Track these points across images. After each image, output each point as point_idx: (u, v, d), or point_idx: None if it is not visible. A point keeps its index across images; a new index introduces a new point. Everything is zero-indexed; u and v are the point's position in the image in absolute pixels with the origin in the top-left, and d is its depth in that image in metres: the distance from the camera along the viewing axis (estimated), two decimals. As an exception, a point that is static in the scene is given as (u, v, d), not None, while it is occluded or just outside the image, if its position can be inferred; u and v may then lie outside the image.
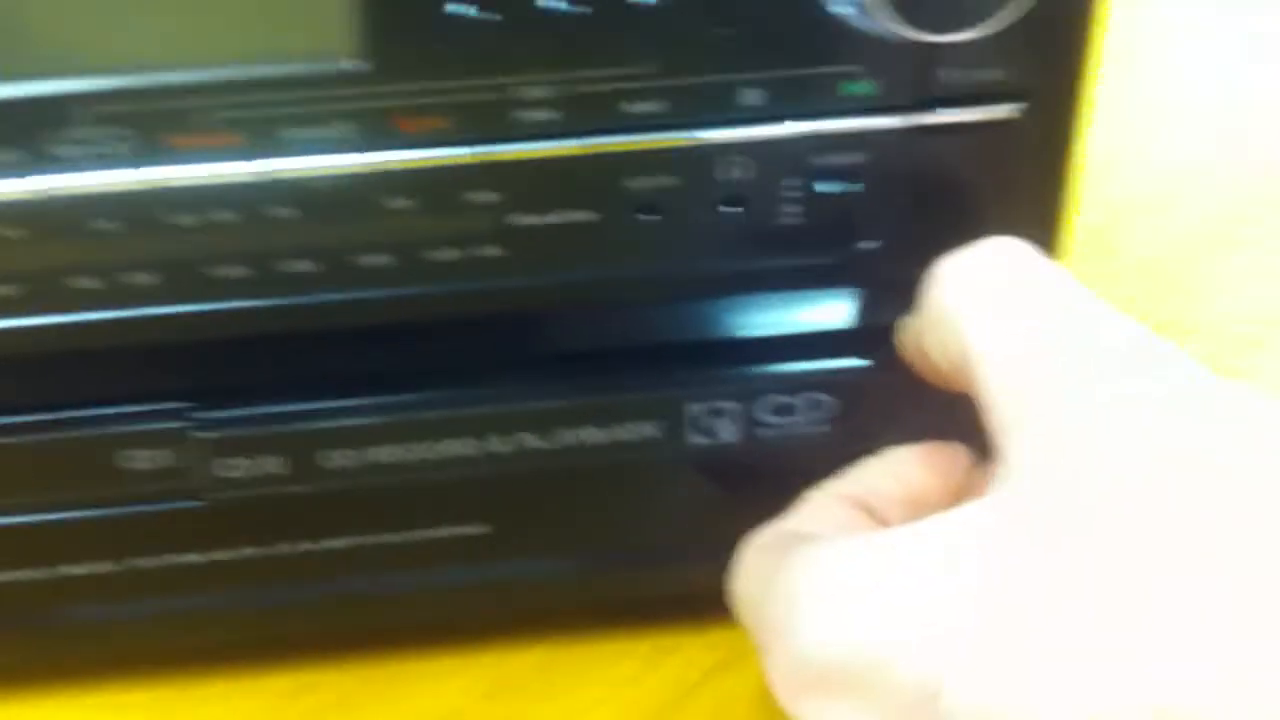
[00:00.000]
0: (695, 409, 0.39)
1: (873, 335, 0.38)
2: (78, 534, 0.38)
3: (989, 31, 0.33)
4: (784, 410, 0.39)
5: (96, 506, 0.38)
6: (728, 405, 0.39)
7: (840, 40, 0.34)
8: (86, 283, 0.35)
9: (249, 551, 0.39)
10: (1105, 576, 0.25)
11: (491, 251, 0.36)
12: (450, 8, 0.33)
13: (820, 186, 0.36)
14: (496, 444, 0.38)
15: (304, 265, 0.35)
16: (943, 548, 0.27)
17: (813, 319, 0.39)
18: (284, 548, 0.39)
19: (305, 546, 0.39)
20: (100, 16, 0.32)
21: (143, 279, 0.35)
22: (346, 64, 0.33)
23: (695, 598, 0.39)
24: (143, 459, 0.37)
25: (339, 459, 0.38)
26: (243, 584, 0.40)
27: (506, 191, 0.35)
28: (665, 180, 0.36)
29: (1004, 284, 0.32)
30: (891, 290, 0.39)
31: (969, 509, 0.28)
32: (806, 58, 0.35)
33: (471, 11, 0.33)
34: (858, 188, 0.36)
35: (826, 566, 0.29)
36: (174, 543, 0.39)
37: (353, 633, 0.42)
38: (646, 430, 0.39)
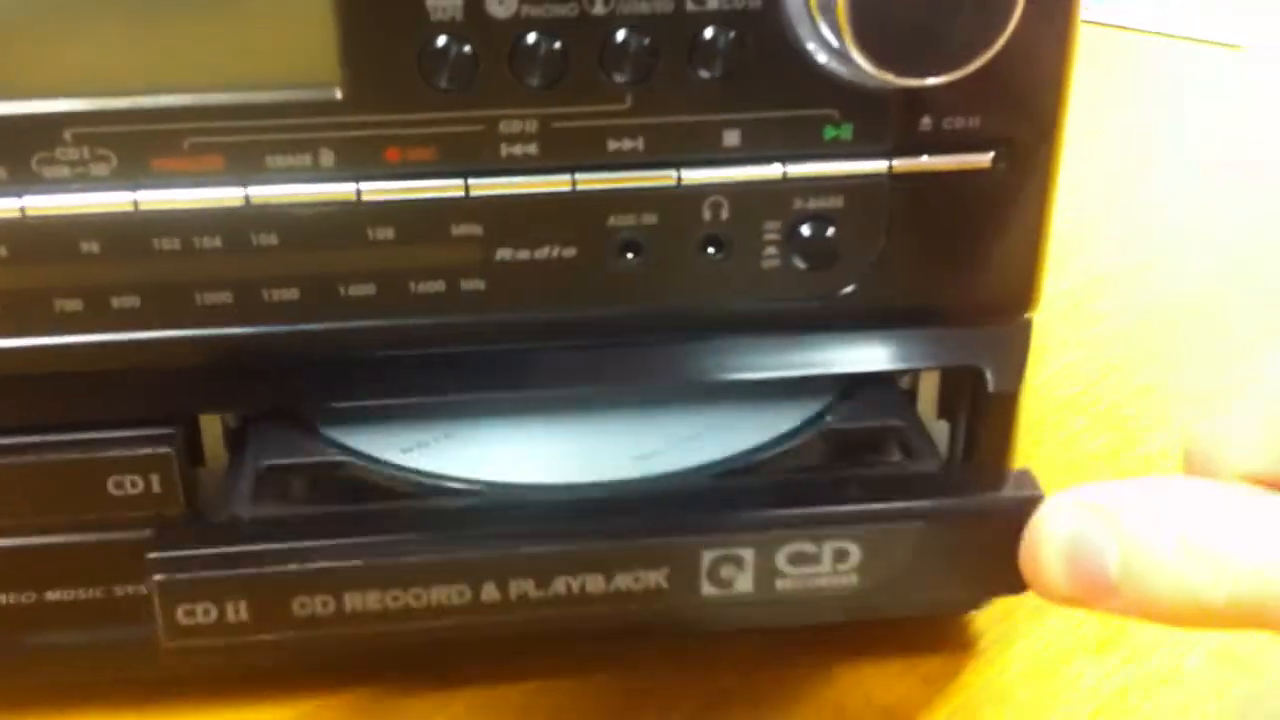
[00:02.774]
0: (710, 556, 0.35)
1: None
2: (63, 559, 0.38)
3: (959, 77, 0.33)
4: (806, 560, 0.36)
5: (82, 531, 0.38)
6: (745, 553, 0.35)
7: (821, 84, 0.35)
8: (68, 305, 0.35)
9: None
10: None
11: (475, 285, 0.36)
12: (435, 40, 0.33)
13: (800, 229, 0.36)
14: (487, 591, 0.35)
15: (288, 293, 0.36)
16: None
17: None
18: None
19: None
20: (86, 38, 0.33)
21: (125, 302, 0.35)
22: (331, 92, 0.34)
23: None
24: (130, 484, 0.37)
25: (312, 605, 0.34)
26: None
27: (490, 225, 0.36)
28: (646, 219, 0.36)
29: None
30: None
31: None
32: (788, 99, 0.35)
33: (455, 44, 0.33)
34: (836, 230, 0.36)
35: None
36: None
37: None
38: (655, 580, 0.35)
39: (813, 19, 0.33)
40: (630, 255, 0.36)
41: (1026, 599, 0.35)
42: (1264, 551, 0.29)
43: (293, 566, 0.33)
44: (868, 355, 0.39)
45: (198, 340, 0.36)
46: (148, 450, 0.37)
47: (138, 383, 0.37)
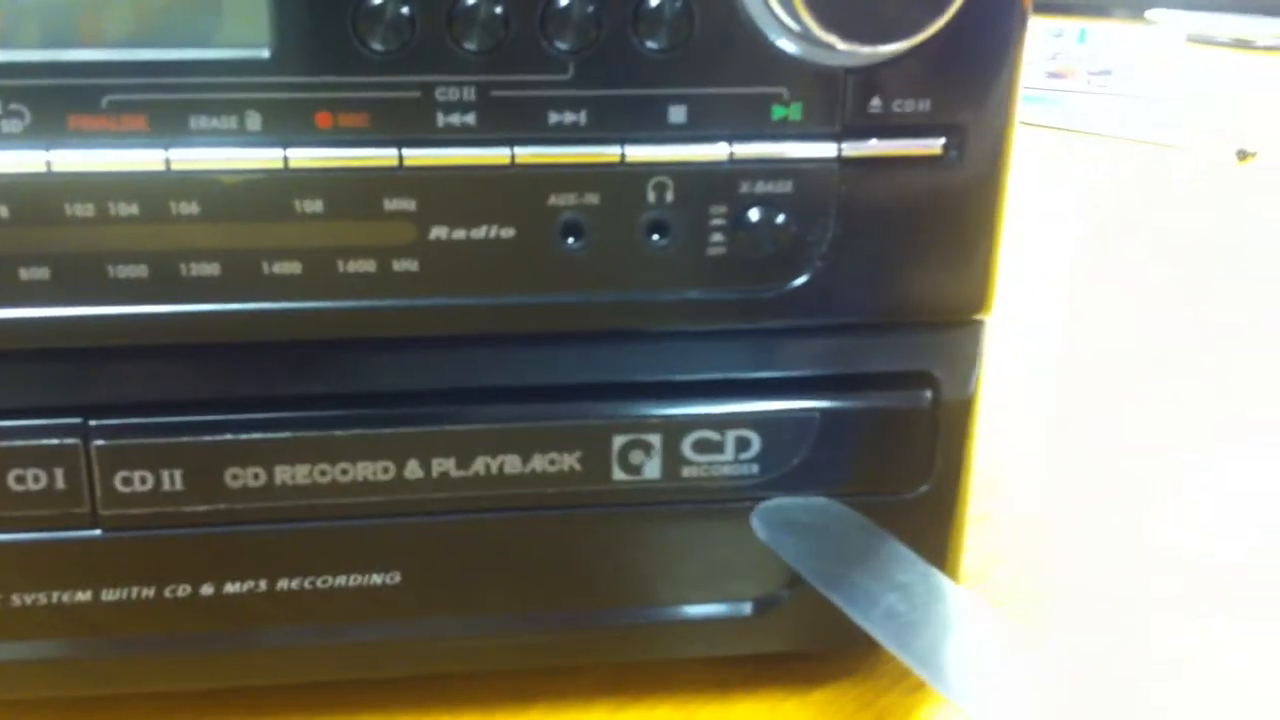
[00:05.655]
0: (621, 441, 0.37)
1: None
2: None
3: (908, 48, 0.33)
4: (710, 448, 0.37)
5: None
6: (653, 439, 0.37)
7: (770, 61, 0.34)
8: (-29, 275, 0.33)
9: (145, 592, 0.37)
10: None
11: (408, 265, 0.35)
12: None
13: (747, 214, 0.35)
14: (411, 469, 0.36)
15: (208, 269, 0.34)
16: None
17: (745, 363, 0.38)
18: (183, 589, 0.37)
19: (203, 589, 0.37)
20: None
21: (31, 274, 0.33)
22: (260, 51, 0.32)
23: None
24: (33, 478, 0.35)
25: (244, 477, 0.36)
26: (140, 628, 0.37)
27: (424, 200, 0.34)
28: (588, 199, 0.35)
29: None
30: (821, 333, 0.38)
31: None
32: (735, 75, 0.34)
33: (392, 4, 0.32)
34: (785, 217, 0.35)
35: None
36: (64, 579, 0.36)
37: (252, 689, 0.39)
38: (569, 463, 0.37)
39: (761, -13, 0.33)
40: (571, 239, 0.35)
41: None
42: None
43: (227, 436, 0.35)
44: (814, 357, 0.38)
45: (111, 319, 0.34)
46: (53, 441, 0.35)
47: (46, 366, 0.35)
